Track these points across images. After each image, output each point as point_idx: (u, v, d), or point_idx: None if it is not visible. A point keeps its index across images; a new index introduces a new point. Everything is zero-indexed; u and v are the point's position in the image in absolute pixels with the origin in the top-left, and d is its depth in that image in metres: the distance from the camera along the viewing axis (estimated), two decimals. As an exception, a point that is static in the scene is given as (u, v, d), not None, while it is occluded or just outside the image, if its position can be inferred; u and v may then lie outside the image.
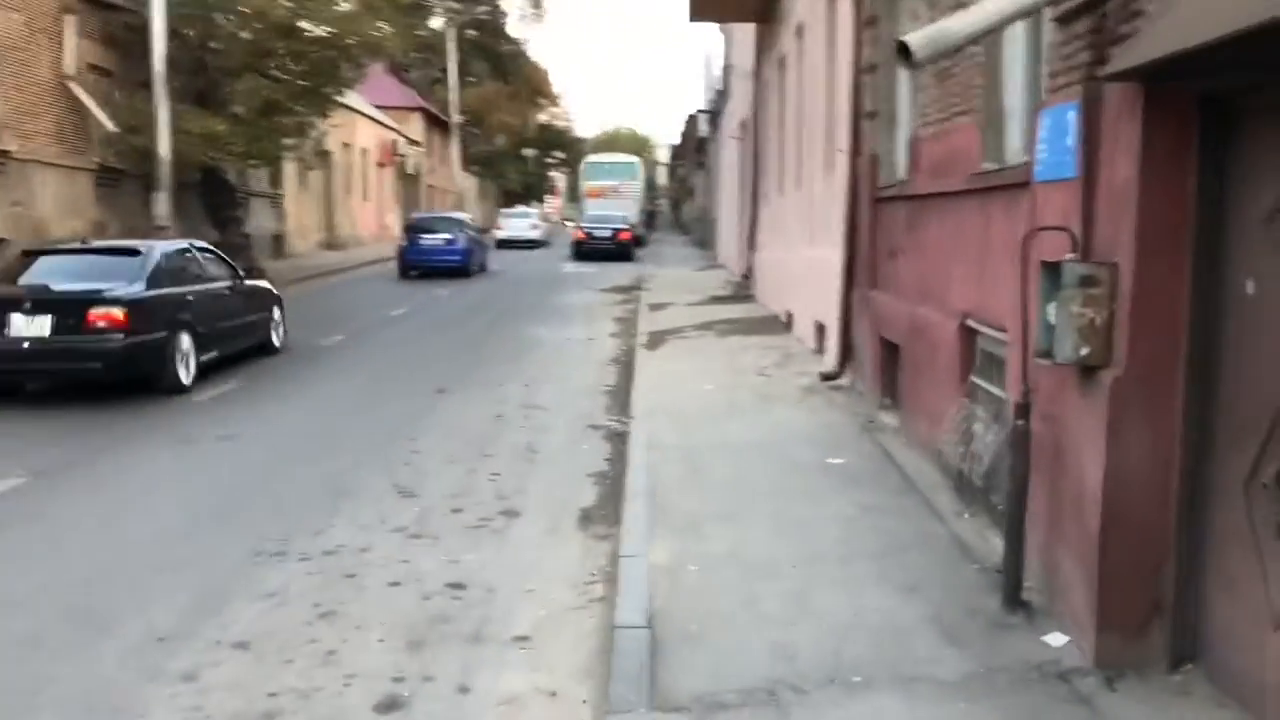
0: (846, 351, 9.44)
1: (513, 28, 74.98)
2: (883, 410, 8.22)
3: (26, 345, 9.45)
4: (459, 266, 25.66)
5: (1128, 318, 3.91)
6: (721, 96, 32.93)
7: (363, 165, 39.08)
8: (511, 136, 76.51)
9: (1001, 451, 5.32)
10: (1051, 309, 4.20)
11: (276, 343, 13.16)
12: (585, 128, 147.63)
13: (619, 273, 28.32)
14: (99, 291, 9.70)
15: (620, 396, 10.40)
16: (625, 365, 12.26)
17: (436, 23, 62.02)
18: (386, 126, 42.72)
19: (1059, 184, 4.45)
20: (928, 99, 6.90)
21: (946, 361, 6.34)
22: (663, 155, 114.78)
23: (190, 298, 10.77)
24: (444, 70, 53.23)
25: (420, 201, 49.15)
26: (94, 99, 19.09)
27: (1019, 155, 5.60)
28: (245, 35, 20.24)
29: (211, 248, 12.83)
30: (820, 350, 11.42)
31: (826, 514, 5.90)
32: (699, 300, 18.88)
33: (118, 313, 9.54)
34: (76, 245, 11.76)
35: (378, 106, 44.73)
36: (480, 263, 27.64)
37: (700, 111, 37.48)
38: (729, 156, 26.73)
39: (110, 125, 18.72)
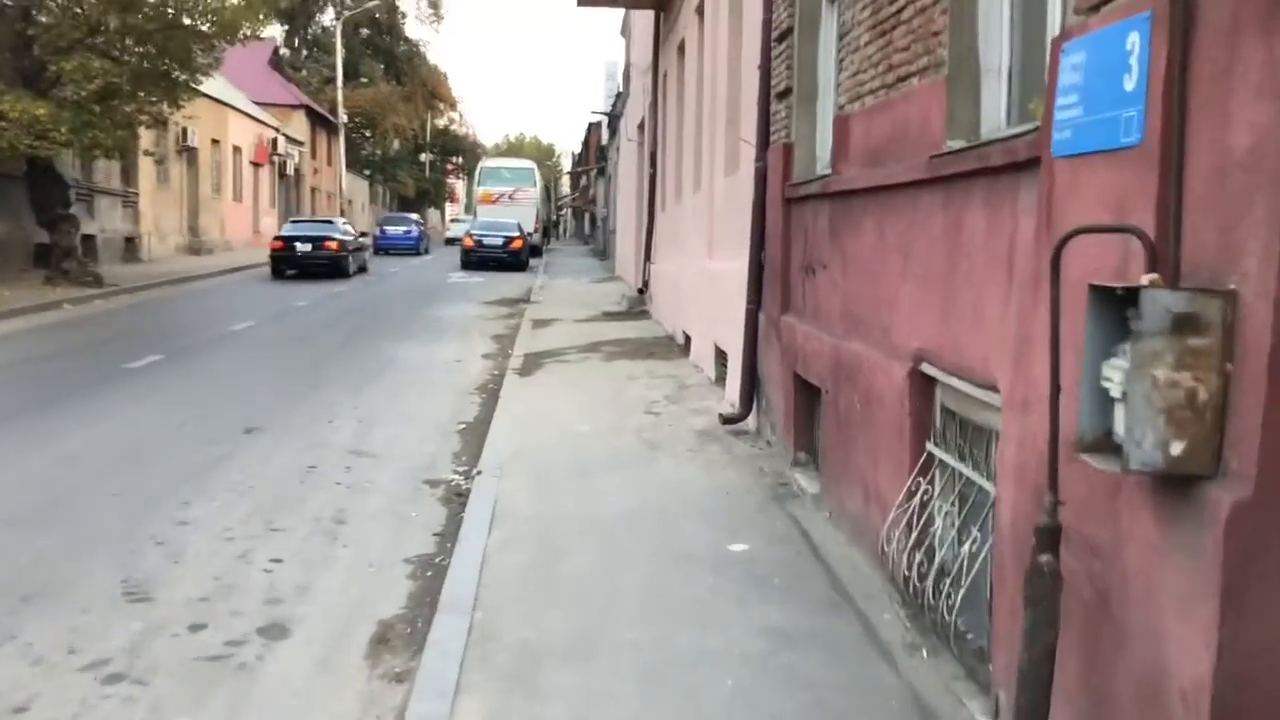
0: (752, 388, 7.65)
1: (410, 28, 72.39)
2: (798, 469, 6.43)
3: None
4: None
5: (1261, 391, 2.15)
6: (621, 100, 31.21)
7: (235, 164, 36.25)
8: (406, 140, 73.74)
9: (985, 570, 3.55)
10: (1113, 371, 2.42)
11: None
12: (487, 135, 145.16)
13: (508, 284, 26.31)
14: None
15: (478, 438, 8.46)
16: (492, 395, 10.31)
17: (326, 19, 59.20)
18: (264, 124, 39.89)
19: (1104, 158, 2.69)
20: (862, 61, 5.13)
21: (890, 419, 4.56)
22: (567, 164, 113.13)
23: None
24: (334, 68, 50.41)
25: (302, 205, 46.31)
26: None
27: (1002, 126, 3.85)
28: (74, 8, 17.70)
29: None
30: (721, 382, 9.64)
31: (723, 648, 4.04)
32: (589, 316, 16.99)
33: None
34: None
35: (257, 103, 41.90)
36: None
37: (599, 113, 35.63)
38: (626, 162, 24.98)
39: (-99, 105, 16.03)
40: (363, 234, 32.81)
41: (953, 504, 4.10)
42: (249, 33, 20.13)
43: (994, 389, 3.47)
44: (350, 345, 13.92)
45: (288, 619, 4.70)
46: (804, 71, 6.62)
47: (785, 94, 6.86)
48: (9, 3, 17.62)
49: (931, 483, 4.27)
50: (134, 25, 18.15)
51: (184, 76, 20.11)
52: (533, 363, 11.80)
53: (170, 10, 18.23)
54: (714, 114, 10.50)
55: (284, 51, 63.42)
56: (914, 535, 4.28)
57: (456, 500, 6.65)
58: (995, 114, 3.92)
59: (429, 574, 5.33)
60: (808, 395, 6.30)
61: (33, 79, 17.98)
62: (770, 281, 7.23)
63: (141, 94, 19.62)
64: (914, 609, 4.21)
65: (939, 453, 4.24)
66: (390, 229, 41.82)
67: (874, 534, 4.76)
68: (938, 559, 4.12)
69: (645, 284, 17.09)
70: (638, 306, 17.40)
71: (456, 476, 7.26)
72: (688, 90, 12.80)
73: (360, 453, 7.91)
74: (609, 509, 5.90)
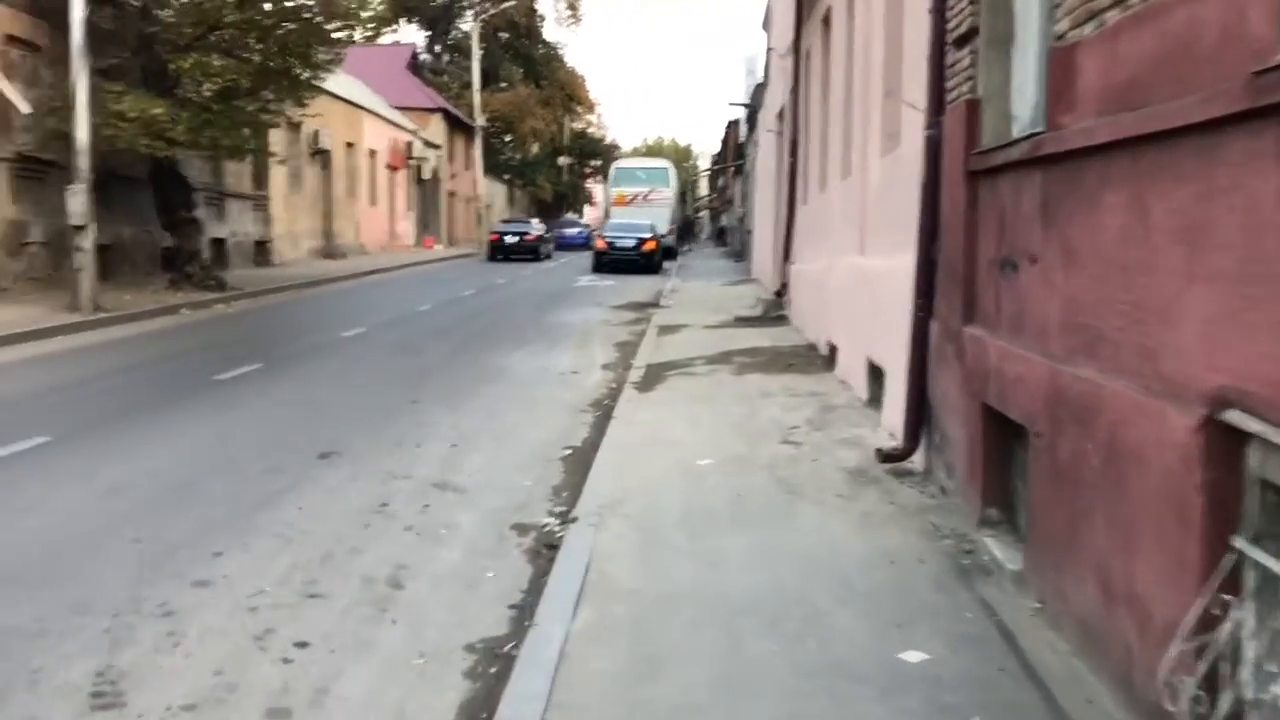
0: (919, 417, 6.06)
1: (549, 31, 72.30)
2: (988, 531, 4.84)
3: None
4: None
5: None
6: (760, 92, 29.62)
7: (370, 168, 36.16)
8: (544, 144, 73.66)
9: None
10: None
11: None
12: (625, 138, 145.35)
13: (638, 287, 25.07)
14: None
15: (583, 467, 7.14)
16: (606, 413, 8.99)
17: (466, 24, 59.39)
18: (400, 127, 39.82)
19: None
20: (1103, -40, 3.53)
21: (1159, 490, 2.98)
22: (704, 165, 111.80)
23: None
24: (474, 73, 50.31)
25: (439, 208, 46.29)
26: (9, 77, 16.21)
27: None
28: (193, 5, 17.24)
29: None
30: (875, 403, 8.05)
31: None
32: (720, 322, 15.52)
33: None
34: None
35: (395, 107, 41.98)
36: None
37: (736, 105, 34.11)
38: (765, 156, 23.40)
39: (23, 106, 15.77)
40: (547, 230, 41.69)
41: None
42: (368, 29, 19.39)
43: None
44: (460, 354, 12.83)
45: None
46: (995, 2, 5.02)
47: (968, 37, 5.27)
48: (133, 2, 17.26)
49: (1240, 597, 2.67)
50: (253, 21, 17.58)
51: (306, 74, 19.53)
52: (655, 375, 10.42)
53: (288, 3, 17.59)
54: (867, 85, 8.91)
55: (425, 57, 64.08)
56: (1203, 669, 2.71)
57: (546, 554, 5.33)
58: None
59: (493, 670, 4.01)
60: (1003, 433, 4.71)
61: (155, 79, 17.62)
62: (946, 282, 5.64)
63: (263, 92, 19.14)
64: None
65: (1256, 553, 2.64)
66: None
67: (1122, 650, 3.18)
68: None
69: (783, 286, 15.53)
70: (774, 311, 15.84)
71: (551, 520, 5.94)
72: (834, 66, 11.21)
73: (444, 486, 6.68)
74: (732, 587, 4.44)
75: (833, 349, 10.62)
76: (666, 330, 14.62)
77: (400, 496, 6.39)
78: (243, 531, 5.61)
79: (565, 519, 5.82)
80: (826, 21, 11.98)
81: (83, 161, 15.02)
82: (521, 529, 5.82)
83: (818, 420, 7.83)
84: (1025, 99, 4.80)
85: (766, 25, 34.17)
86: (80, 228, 15.02)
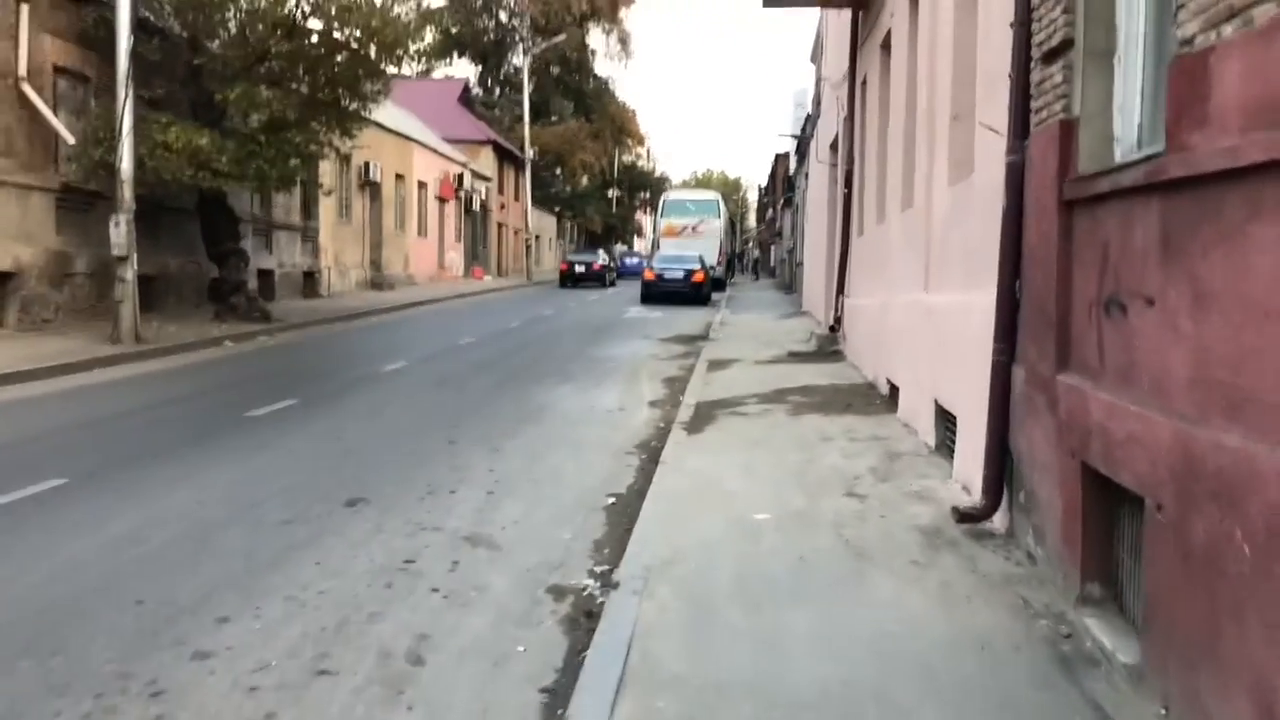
0: (1001, 471, 5.44)
1: (600, 66, 72.46)
2: (1090, 610, 4.20)
3: None
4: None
5: None
6: (811, 123, 29.14)
7: (420, 199, 36.13)
8: (594, 176, 73.73)
9: None
10: None
11: None
12: (675, 170, 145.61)
13: (687, 319, 24.57)
14: None
15: (628, 518, 6.60)
16: (653, 455, 8.45)
17: (518, 59, 59.73)
18: (450, 159, 39.84)
19: None
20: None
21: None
22: (753, 197, 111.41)
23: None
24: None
25: (489, 240, 46.24)
26: (57, 106, 16.15)
27: None
28: (241, 36, 17.12)
29: None
30: (944, 450, 7.43)
31: None
32: (772, 357, 14.93)
33: None
34: None
35: (446, 139, 42.08)
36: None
37: (787, 135, 33.62)
38: (816, 187, 22.85)
39: (69, 136, 15.69)
40: (610, 259, 47.33)
41: None
42: (417, 58, 19.17)
43: None
44: (503, 390, 12.36)
45: None
46: (1095, 9, 4.45)
47: (1060, 51, 4.70)
48: (181, 34, 17.19)
49: None
50: (301, 52, 17.43)
51: (354, 105, 19.36)
52: (705, 415, 9.86)
53: (337, 35, 17.41)
54: (932, 110, 8.34)
55: (476, 91, 64.54)
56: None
57: (584, 624, 4.78)
58: None
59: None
60: (1108, 498, 4.09)
61: (202, 110, 17.52)
62: (1034, 323, 5.03)
63: (311, 124, 18.98)
64: None
65: None
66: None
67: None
68: None
69: (837, 321, 14.92)
70: (829, 346, 15.22)
71: (590, 583, 5.39)
72: (894, 92, 10.66)
73: (476, 540, 6.16)
74: (796, 676, 3.85)
75: (894, 388, 9.99)
76: (716, 365, 14.06)
77: (428, 552, 5.88)
78: (254, 592, 5.12)
79: (606, 581, 5.27)
80: (886, 46, 11.44)
81: (126, 191, 14.87)
82: (558, 592, 5.28)
83: (882, 469, 7.21)
84: (1130, 117, 4.22)
85: (815, 57, 33.78)
86: (123, 258, 14.85)
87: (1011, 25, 5.34)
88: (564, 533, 6.38)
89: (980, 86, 6.55)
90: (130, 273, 14.90)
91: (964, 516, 5.54)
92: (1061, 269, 4.62)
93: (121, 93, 14.68)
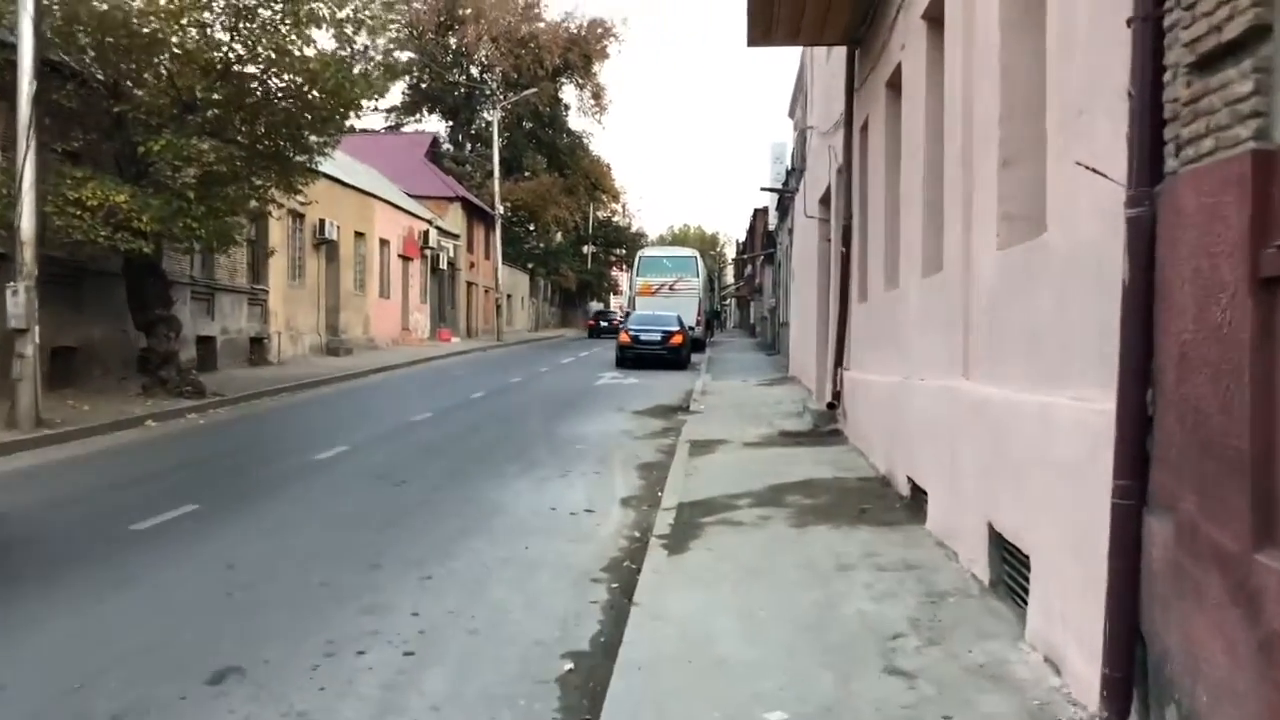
0: (1129, 667, 3.68)
1: (573, 121, 71.49)
2: None
3: None
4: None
5: None
6: (793, 177, 27.76)
7: (382, 258, 34.41)
8: (568, 232, 72.35)
9: None
10: None
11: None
12: (651, 225, 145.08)
13: (666, 385, 22.88)
14: None
15: (587, 704, 4.83)
16: (625, 588, 6.68)
17: (488, 114, 58.51)
18: (415, 216, 38.21)
19: None
20: None
21: None
22: (731, 252, 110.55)
23: None
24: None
25: (457, 299, 44.53)
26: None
27: None
28: (165, 76, 15.44)
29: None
30: (1003, 590, 5.68)
31: None
32: (763, 438, 13.20)
33: None
34: None
35: (412, 195, 40.54)
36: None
37: (768, 189, 32.24)
38: (803, 243, 21.33)
39: (-39, 194, 13.90)
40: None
41: None
42: (369, 108, 17.64)
43: None
44: (451, 485, 10.54)
45: None
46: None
47: (1241, 46, 3.05)
48: (102, 79, 15.51)
49: None
50: (235, 98, 15.79)
51: (299, 157, 17.70)
52: (688, 524, 8.10)
53: (275, 81, 15.81)
54: (969, 155, 6.72)
55: (447, 147, 63.24)
56: None
57: None
58: None
59: None
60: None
61: (127, 163, 15.81)
62: (1190, 456, 3.33)
63: (254, 178, 17.31)
64: None
65: None
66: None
67: None
68: None
69: (836, 396, 13.23)
70: (826, 425, 13.52)
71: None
72: (909, 136, 9.08)
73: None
74: None
75: (916, 488, 8.28)
76: (699, 448, 12.32)
77: (299, 779, 4.07)
78: None
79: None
80: (894, 85, 9.89)
81: (27, 254, 13.07)
82: None
83: (927, 622, 5.45)
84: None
85: (793, 112, 32.57)
86: (22, 331, 13.01)
87: (1131, 22, 3.70)
88: (493, 735, 4.57)
89: (1056, 118, 4.91)
90: (30, 348, 13.05)
91: (1081, 737, 3.77)
92: (1258, 380, 2.92)
93: (22, 144, 12.93)
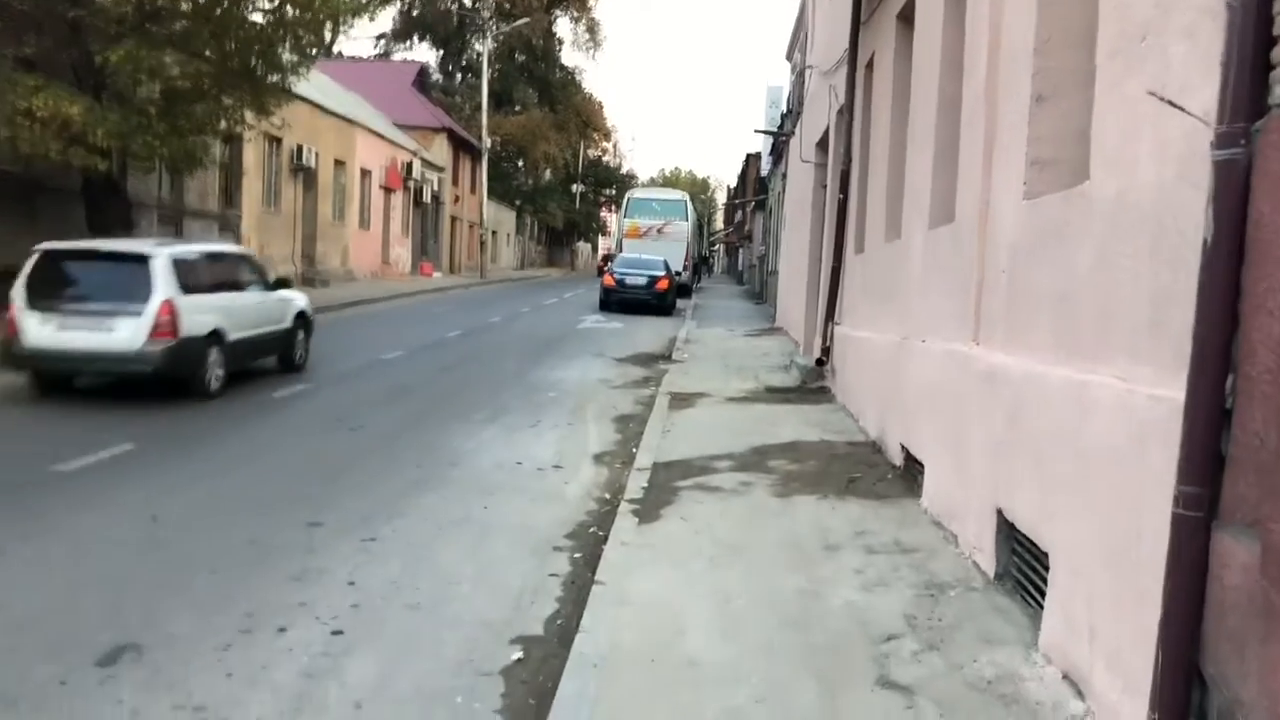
0: (1179, 708, 3.03)
1: (567, 56, 69.82)
2: None
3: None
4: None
5: None
6: (789, 119, 26.83)
7: (363, 187, 33.34)
8: (557, 170, 70.97)
9: None
10: None
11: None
12: (642, 167, 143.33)
13: (650, 332, 22.16)
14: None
15: (534, 704, 4.19)
16: (589, 560, 6.02)
17: (480, 45, 56.86)
18: (399, 146, 37.05)
19: None
20: None
21: None
22: (721, 197, 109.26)
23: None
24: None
25: (441, 234, 43.51)
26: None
27: None
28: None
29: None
30: (1011, 582, 5.04)
31: None
32: (747, 393, 12.52)
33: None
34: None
35: (398, 124, 39.32)
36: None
37: (761, 132, 31.27)
38: (798, 189, 20.50)
39: (-93, 98, 12.94)
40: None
41: None
42: (353, 24, 16.58)
43: None
44: (411, 432, 9.84)
45: None
46: None
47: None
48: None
49: None
50: (203, 10, 14.78)
51: (273, 77, 16.69)
52: (663, 488, 7.43)
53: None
54: (994, 92, 5.95)
55: (436, 77, 61.56)
56: None
57: None
58: None
59: None
60: None
61: (85, 74, 14.81)
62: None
63: (223, 97, 16.31)
64: None
65: None
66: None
67: None
68: None
69: (825, 352, 12.54)
70: (814, 381, 12.85)
71: None
72: (920, 72, 8.29)
73: (277, 755, 3.69)
74: None
75: (910, 458, 7.62)
76: (680, 401, 11.64)
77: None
78: None
79: None
80: (905, 17, 9.08)
81: (-28, 168, 12.18)
82: None
83: (924, 620, 4.80)
84: None
85: (791, 55, 31.51)
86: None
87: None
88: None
89: (1110, 45, 4.15)
90: (-29, 266, 12.19)
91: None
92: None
93: (-38, 45, 11.98)
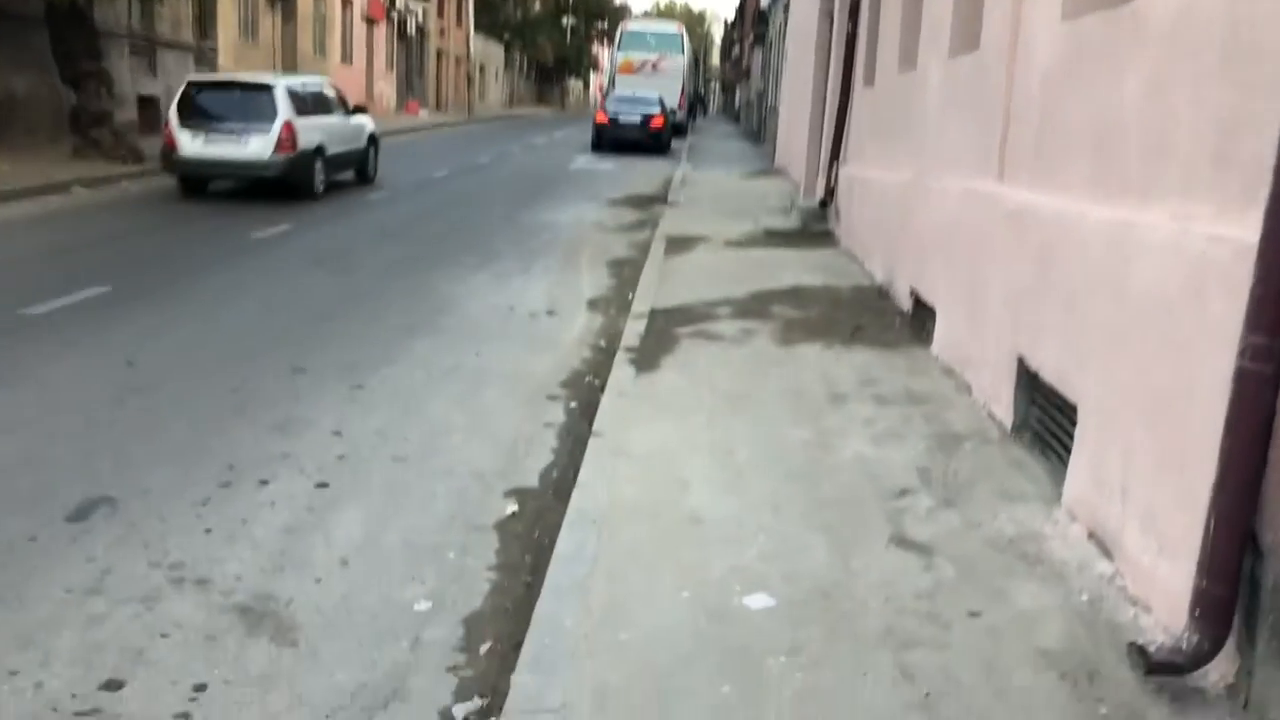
0: (1233, 583, 2.80)
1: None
2: None
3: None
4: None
5: None
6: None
7: (344, 19, 31.90)
8: (547, 2, 68.15)
9: None
10: None
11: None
12: (637, 1, 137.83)
13: (643, 172, 21.54)
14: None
15: (530, 562, 4.01)
16: (585, 411, 5.78)
17: None
18: (381, -27, 35.27)
19: None
20: None
21: None
22: (718, 32, 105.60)
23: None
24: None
25: (426, 70, 41.99)
26: None
27: None
28: None
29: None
30: (1029, 433, 4.79)
31: None
32: (746, 236, 12.12)
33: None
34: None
35: (378, -50, 37.28)
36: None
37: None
38: (802, 19, 19.52)
39: None
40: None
41: None
42: None
43: None
44: (400, 274, 9.50)
45: None
46: None
47: None
48: None
49: None
50: None
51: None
52: (662, 334, 7.14)
53: None
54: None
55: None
56: None
57: None
58: None
59: None
60: None
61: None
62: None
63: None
64: None
65: None
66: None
67: None
68: None
69: (830, 192, 12.07)
70: (817, 225, 12.43)
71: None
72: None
73: (259, 618, 3.50)
74: None
75: (919, 303, 7.32)
76: (677, 245, 11.25)
77: (156, 658, 3.22)
78: None
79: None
80: None
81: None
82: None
83: (940, 474, 4.58)
84: None
85: None
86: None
87: None
88: (419, 597, 3.72)
89: None
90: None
91: (1155, 665, 2.90)
92: None
93: None
